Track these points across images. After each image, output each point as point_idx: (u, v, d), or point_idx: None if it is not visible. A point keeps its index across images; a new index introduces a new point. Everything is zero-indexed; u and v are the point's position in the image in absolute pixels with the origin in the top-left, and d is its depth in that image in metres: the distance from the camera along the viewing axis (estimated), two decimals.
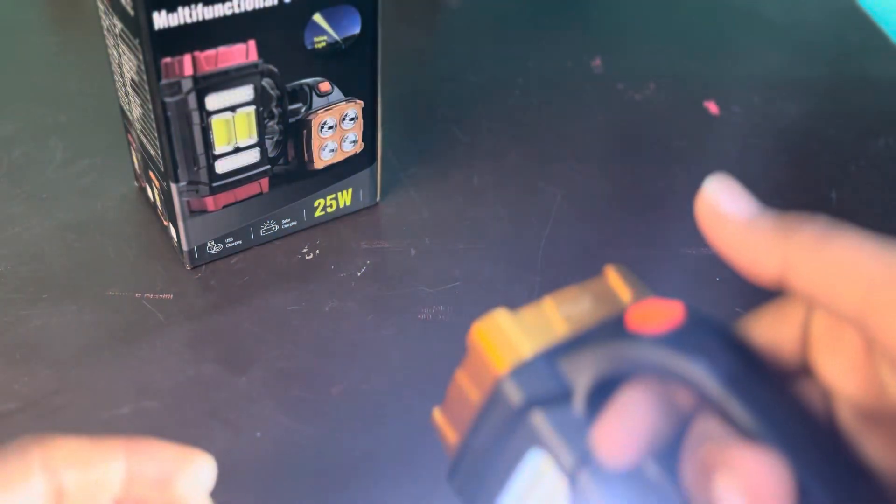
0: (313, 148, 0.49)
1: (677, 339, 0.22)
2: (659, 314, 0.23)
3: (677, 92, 0.68)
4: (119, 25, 0.43)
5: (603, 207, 0.56)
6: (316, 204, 0.52)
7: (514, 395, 0.24)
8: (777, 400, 0.22)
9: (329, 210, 0.53)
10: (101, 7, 0.46)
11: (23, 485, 0.24)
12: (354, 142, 0.51)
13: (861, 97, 0.69)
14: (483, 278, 0.50)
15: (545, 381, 0.24)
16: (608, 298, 0.27)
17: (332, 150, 0.50)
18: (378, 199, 0.55)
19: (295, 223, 0.52)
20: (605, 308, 0.26)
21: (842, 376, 0.22)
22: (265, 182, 0.49)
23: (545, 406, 0.24)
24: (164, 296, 0.48)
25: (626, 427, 0.22)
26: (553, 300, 0.26)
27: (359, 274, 0.50)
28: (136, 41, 0.41)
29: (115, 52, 0.47)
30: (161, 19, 0.40)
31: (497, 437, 0.25)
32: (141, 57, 0.41)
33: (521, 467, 0.25)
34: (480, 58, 0.72)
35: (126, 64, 0.45)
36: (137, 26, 0.40)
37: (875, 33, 0.78)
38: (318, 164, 0.50)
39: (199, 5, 0.40)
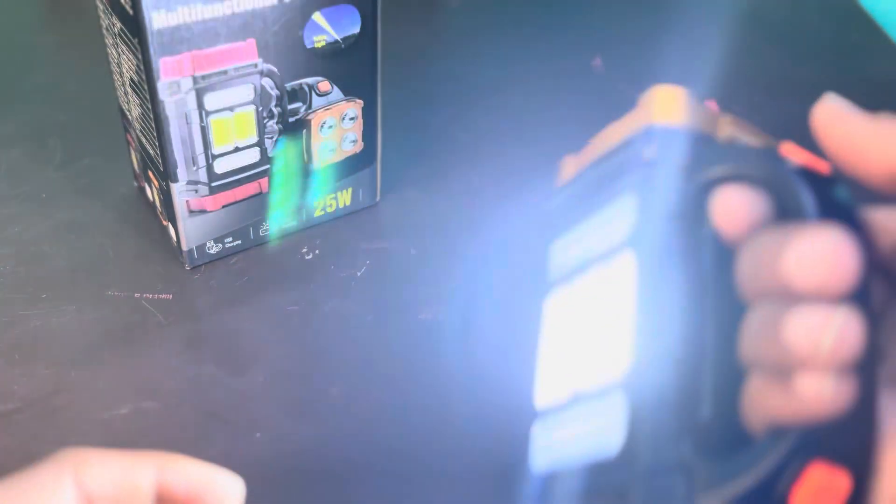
0: (313, 148, 0.49)
1: (815, 180, 0.24)
2: (809, 159, 0.24)
3: None
4: (118, 25, 0.43)
5: None
6: (316, 204, 0.52)
7: (653, 144, 0.27)
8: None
9: (329, 210, 0.53)
10: (101, 6, 0.46)
11: (55, 499, 0.24)
12: (354, 141, 0.51)
13: (862, 97, 0.69)
14: (483, 278, 0.50)
15: (683, 147, 0.26)
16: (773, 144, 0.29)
17: (332, 150, 0.50)
18: (378, 198, 0.55)
19: (295, 223, 0.52)
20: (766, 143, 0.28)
21: None
22: (265, 182, 0.49)
23: (670, 167, 0.26)
24: (164, 296, 0.48)
25: (749, 198, 0.24)
26: (727, 118, 0.29)
27: (359, 274, 0.50)
28: (136, 41, 0.41)
29: (114, 52, 0.47)
30: (160, 19, 0.40)
31: (610, 173, 0.28)
32: (140, 56, 0.41)
33: (611, 205, 0.28)
34: (480, 58, 0.72)
35: (125, 63, 0.45)
36: (136, 26, 0.40)
37: (876, 33, 0.78)
38: (318, 164, 0.50)
39: (199, 4, 0.40)
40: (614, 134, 0.30)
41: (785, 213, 0.24)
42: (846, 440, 0.21)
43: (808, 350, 0.21)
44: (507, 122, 0.64)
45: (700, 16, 0.80)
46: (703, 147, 0.27)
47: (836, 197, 0.24)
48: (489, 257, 0.51)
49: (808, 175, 0.24)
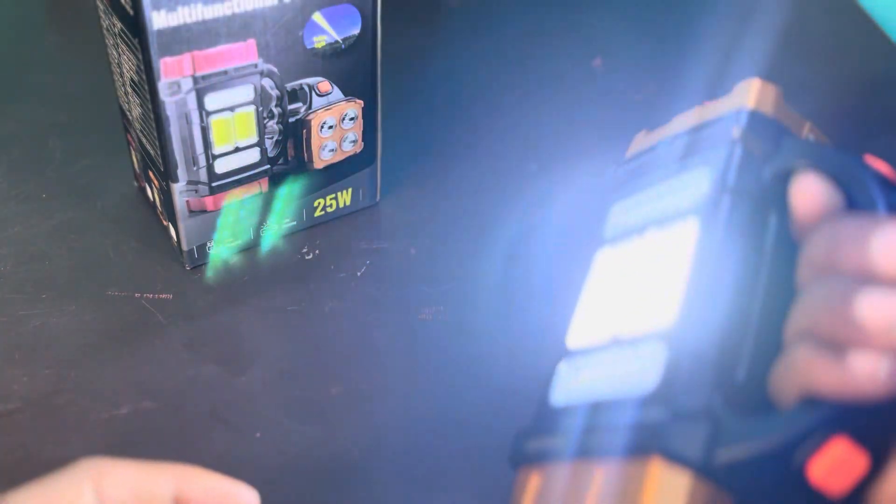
0: (313, 148, 0.49)
1: (889, 188, 0.25)
2: (888, 170, 0.26)
3: (677, 92, 0.68)
4: (118, 25, 0.43)
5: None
6: (316, 204, 0.52)
7: (742, 125, 0.29)
8: None
9: (329, 210, 0.53)
10: (101, 6, 0.46)
11: None
12: (354, 141, 0.51)
13: (861, 96, 0.69)
14: (483, 278, 0.50)
15: (768, 136, 0.29)
16: None
17: (332, 150, 0.50)
18: (378, 198, 0.55)
19: (295, 223, 0.52)
20: None
21: None
22: (265, 182, 0.49)
23: (749, 147, 0.28)
24: (164, 296, 0.48)
25: (827, 188, 0.26)
26: (809, 124, 0.31)
27: (359, 274, 0.50)
28: (136, 41, 0.41)
29: (114, 52, 0.47)
30: (160, 19, 0.40)
31: (692, 146, 0.31)
32: (140, 56, 0.41)
33: (684, 175, 0.30)
34: (480, 58, 0.71)
35: (125, 63, 0.45)
36: (137, 26, 0.40)
37: (875, 32, 0.78)
38: (318, 164, 0.50)
39: (199, 5, 0.40)
40: (702, 113, 0.31)
41: (855, 210, 0.25)
42: (876, 424, 0.22)
43: (879, 328, 0.21)
44: (507, 121, 0.64)
45: (699, 15, 0.80)
46: (787, 139, 0.28)
47: None
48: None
49: (883, 182, 0.25)
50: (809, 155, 0.27)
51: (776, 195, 0.27)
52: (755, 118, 0.29)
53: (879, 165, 0.26)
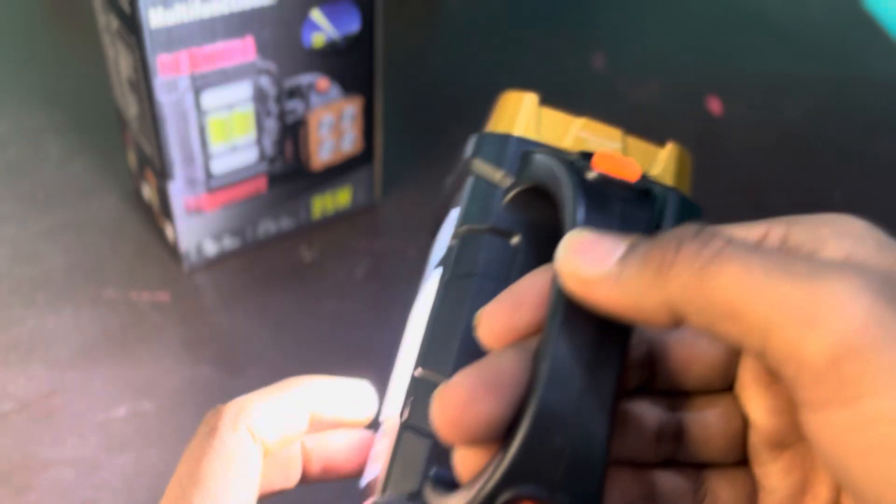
0: (311, 146, 0.49)
1: (616, 188, 0.23)
2: (617, 168, 0.23)
3: (679, 91, 0.68)
4: (116, 23, 0.43)
5: None
6: (315, 203, 0.51)
7: (468, 152, 0.29)
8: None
9: (328, 209, 0.52)
10: (98, 4, 0.45)
11: (242, 456, 0.27)
12: (353, 141, 0.51)
13: (864, 96, 0.69)
14: None
15: (500, 158, 0.29)
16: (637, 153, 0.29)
17: (331, 149, 0.50)
18: (377, 198, 0.55)
19: (294, 223, 0.51)
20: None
21: (761, 413, 0.22)
22: (263, 181, 0.48)
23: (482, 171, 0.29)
24: (161, 296, 0.48)
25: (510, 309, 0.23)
26: (587, 124, 0.31)
27: (358, 274, 0.50)
28: (133, 39, 0.41)
29: (111, 51, 0.46)
30: (157, 17, 0.39)
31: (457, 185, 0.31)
32: (137, 55, 0.41)
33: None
34: (480, 58, 0.71)
35: (123, 62, 0.44)
36: (134, 24, 0.40)
37: (878, 32, 0.78)
38: (317, 163, 0.50)
39: (196, 2, 0.40)
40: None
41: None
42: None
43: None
44: None
45: (702, 14, 0.80)
46: (514, 158, 0.28)
47: (646, 206, 0.23)
48: None
49: (608, 184, 0.23)
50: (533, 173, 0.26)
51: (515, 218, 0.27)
52: (487, 140, 0.29)
53: (608, 164, 0.23)
